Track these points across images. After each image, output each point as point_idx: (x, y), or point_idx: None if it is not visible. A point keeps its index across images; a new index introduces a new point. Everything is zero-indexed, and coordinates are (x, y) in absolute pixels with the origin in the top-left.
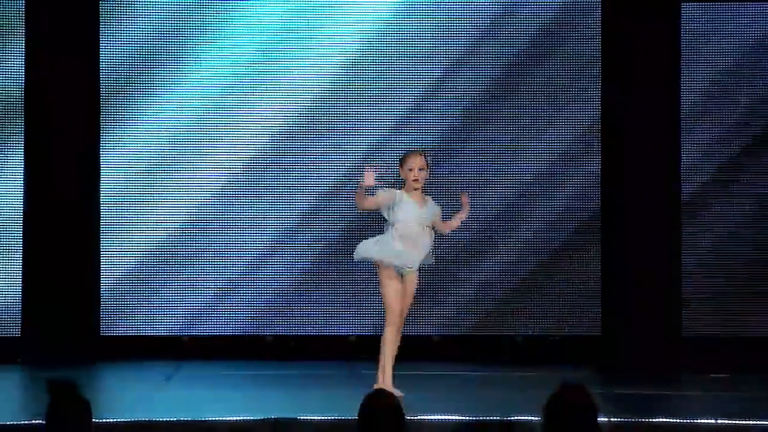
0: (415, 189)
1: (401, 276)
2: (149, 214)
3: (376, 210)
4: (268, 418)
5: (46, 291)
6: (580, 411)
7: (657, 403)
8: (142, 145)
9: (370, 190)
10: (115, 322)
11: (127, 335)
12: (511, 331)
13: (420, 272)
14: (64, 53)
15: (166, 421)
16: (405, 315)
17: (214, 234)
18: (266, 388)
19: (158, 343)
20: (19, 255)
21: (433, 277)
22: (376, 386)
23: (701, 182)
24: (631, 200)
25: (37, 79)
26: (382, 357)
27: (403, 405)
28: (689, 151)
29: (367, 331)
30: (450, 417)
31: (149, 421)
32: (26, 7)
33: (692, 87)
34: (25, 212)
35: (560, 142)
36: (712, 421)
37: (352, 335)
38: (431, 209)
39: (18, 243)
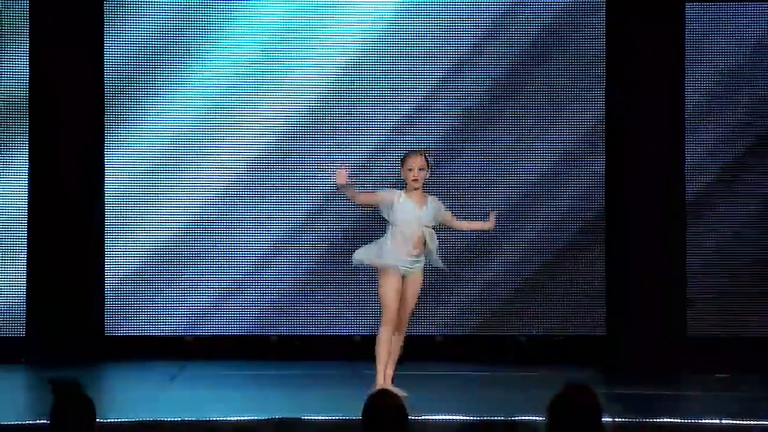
0: (415, 189)
1: (403, 276)
2: (153, 215)
3: (375, 207)
4: (272, 418)
5: (50, 291)
6: (585, 411)
7: (661, 403)
8: (146, 145)
9: (348, 188)
10: (119, 322)
11: (131, 335)
12: (515, 331)
13: (425, 272)
14: (68, 53)
15: (170, 421)
16: (409, 315)
17: (218, 234)
18: (270, 388)
19: (162, 343)
20: (23, 255)
21: (437, 277)
22: (377, 387)
23: (705, 182)
24: (636, 200)
25: (41, 80)
26: (377, 358)
27: (406, 405)
28: (693, 151)
29: (372, 331)
30: (454, 417)
31: (153, 421)
32: (30, 7)
33: (696, 87)
34: (29, 212)
35: (564, 142)
36: (717, 421)
37: (357, 335)
38: (432, 209)
39: (22, 243)
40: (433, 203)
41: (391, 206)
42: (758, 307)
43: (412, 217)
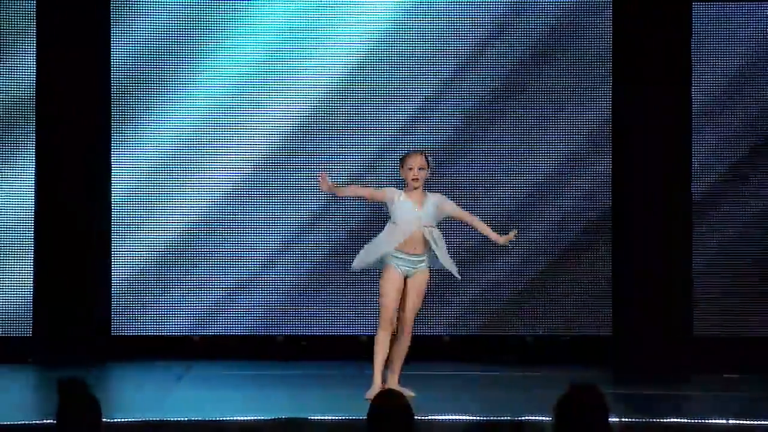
0: (415, 188)
1: (406, 276)
2: (160, 214)
3: (368, 201)
4: (278, 418)
5: (57, 291)
6: (591, 411)
7: (667, 403)
8: (153, 145)
9: (334, 189)
10: (126, 322)
11: (138, 335)
12: (521, 331)
13: (431, 272)
14: (74, 54)
15: (177, 421)
16: (414, 315)
17: (226, 233)
18: (277, 388)
19: (169, 342)
20: (30, 254)
21: (443, 278)
22: (374, 389)
23: (712, 182)
24: (641, 200)
25: (47, 80)
26: (374, 360)
27: (413, 405)
28: (700, 151)
29: None
30: (460, 417)
31: (160, 420)
32: (37, 8)
33: (703, 86)
34: (36, 212)
35: (570, 141)
36: (723, 421)
37: (363, 335)
38: (432, 208)
39: (29, 243)
40: (433, 202)
41: (390, 206)
42: (765, 307)
43: (411, 216)
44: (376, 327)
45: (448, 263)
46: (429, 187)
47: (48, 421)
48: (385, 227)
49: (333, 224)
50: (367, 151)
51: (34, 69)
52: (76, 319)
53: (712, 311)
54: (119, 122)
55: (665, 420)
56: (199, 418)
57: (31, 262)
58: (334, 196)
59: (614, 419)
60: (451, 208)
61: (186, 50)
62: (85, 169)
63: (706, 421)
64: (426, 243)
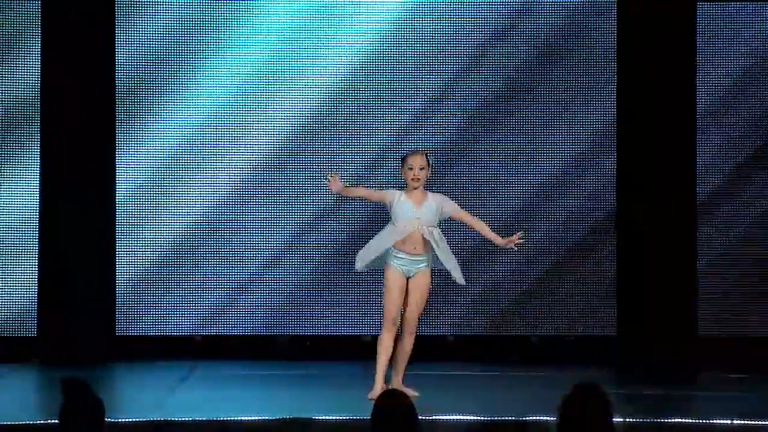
0: (415, 188)
1: (408, 277)
2: (164, 215)
3: (375, 202)
4: (282, 418)
5: (62, 291)
6: (595, 411)
7: (672, 403)
8: (158, 146)
9: (345, 190)
10: (131, 322)
11: (142, 335)
12: (526, 331)
13: (434, 272)
14: (79, 55)
15: (181, 421)
16: (417, 316)
17: (229, 234)
18: (281, 388)
19: (173, 342)
20: (34, 255)
21: (448, 278)
22: (376, 390)
23: (717, 182)
24: (647, 200)
25: (53, 81)
26: (377, 361)
27: (416, 405)
28: (704, 152)
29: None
30: (464, 417)
31: (164, 421)
32: (42, 9)
33: (708, 87)
34: (40, 212)
35: (575, 142)
36: (728, 421)
37: (367, 335)
38: (432, 208)
39: (34, 243)
40: (433, 202)
41: (390, 206)
42: None
43: (410, 216)
44: (380, 327)
45: (452, 266)
46: (433, 187)
47: (52, 421)
48: (386, 227)
49: (337, 224)
50: (367, 151)
51: (38, 70)
52: (81, 319)
53: (716, 311)
54: (124, 123)
55: (670, 420)
56: (204, 418)
57: (35, 262)
58: (340, 195)
59: (618, 419)
60: (453, 209)
61: (190, 52)
62: (89, 169)
63: (711, 421)
64: (426, 243)
